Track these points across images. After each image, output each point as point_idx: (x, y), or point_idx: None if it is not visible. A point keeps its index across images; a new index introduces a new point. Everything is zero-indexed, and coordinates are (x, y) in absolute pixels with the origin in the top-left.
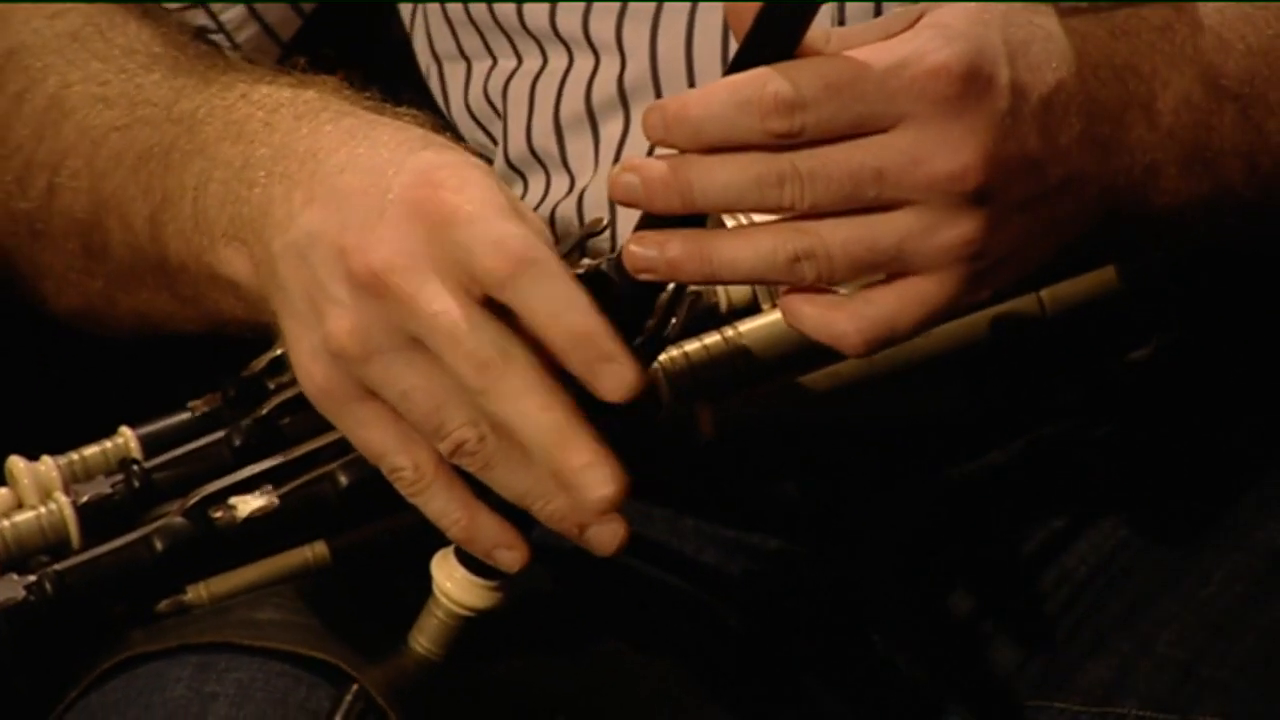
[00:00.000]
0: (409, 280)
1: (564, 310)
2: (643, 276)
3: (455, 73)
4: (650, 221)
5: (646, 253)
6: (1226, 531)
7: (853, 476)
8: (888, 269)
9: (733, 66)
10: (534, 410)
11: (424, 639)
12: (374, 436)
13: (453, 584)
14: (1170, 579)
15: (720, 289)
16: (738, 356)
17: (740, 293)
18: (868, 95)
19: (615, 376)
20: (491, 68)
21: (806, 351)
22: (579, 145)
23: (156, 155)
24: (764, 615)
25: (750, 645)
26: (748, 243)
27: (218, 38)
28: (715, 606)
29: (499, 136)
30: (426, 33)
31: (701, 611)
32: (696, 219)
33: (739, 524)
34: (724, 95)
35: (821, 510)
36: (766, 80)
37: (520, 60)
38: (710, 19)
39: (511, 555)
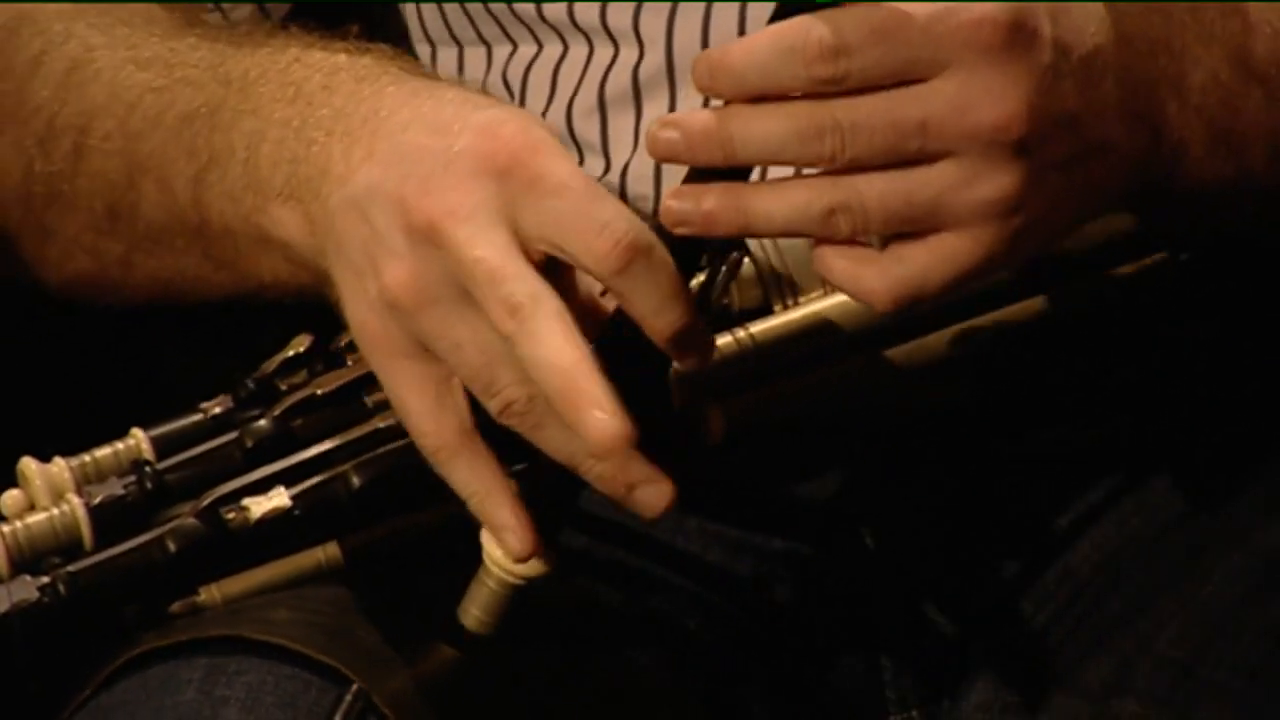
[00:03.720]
0: (463, 228)
1: (671, 302)
2: (679, 230)
3: (475, 56)
4: (694, 176)
5: (683, 206)
6: (1227, 532)
7: (859, 476)
8: (923, 224)
9: (776, 14)
10: (551, 353)
11: (475, 609)
12: (410, 397)
13: (503, 553)
14: (1170, 579)
15: (733, 291)
16: (748, 358)
17: (751, 294)
18: (913, 41)
19: (703, 358)
20: (512, 54)
21: (818, 352)
22: (617, 126)
23: (202, 116)
24: (769, 614)
25: (756, 645)
26: (783, 196)
27: (213, 16)
28: (720, 606)
29: None
30: (443, 19)
31: (706, 611)
32: (739, 174)
33: (745, 524)
34: (768, 42)
35: (828, 509)
36: (810, 27)
37: (541, 46)
38: (727, 10)
39: (516, 539)
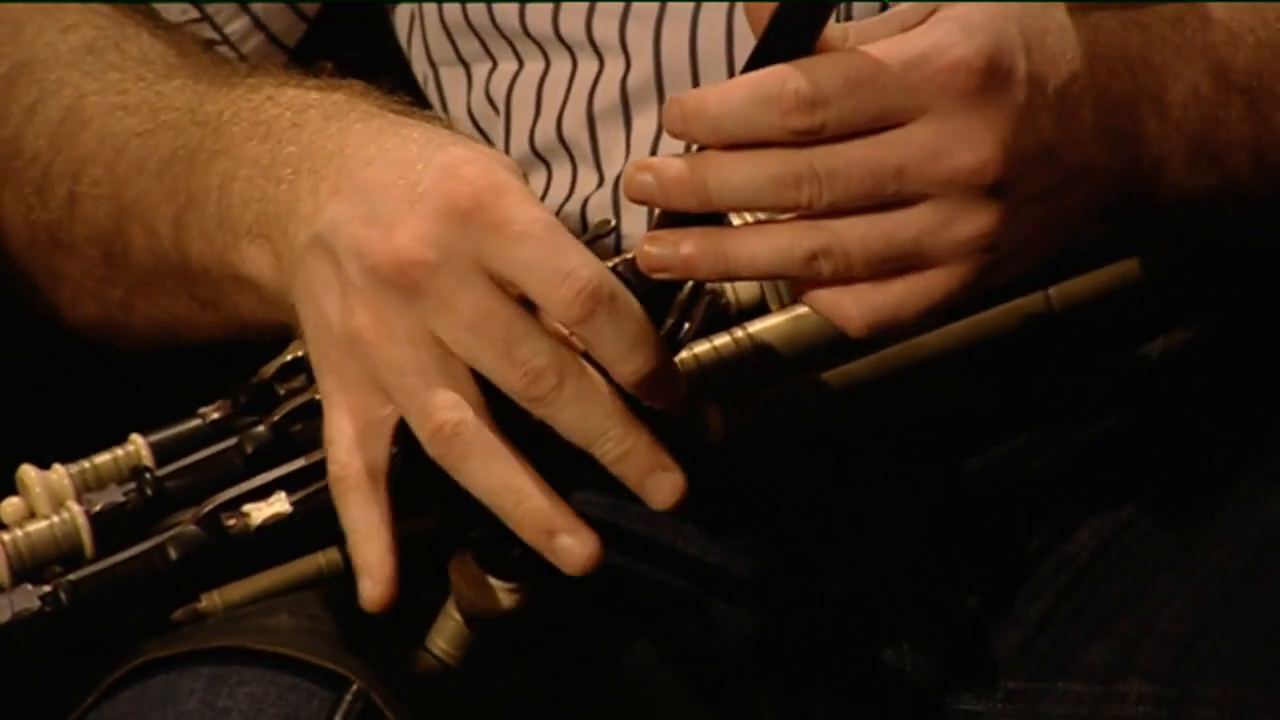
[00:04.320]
0: (441, 277)
1: (637, 347)
2: (658, 276)
3: (455, 78)
4: (666, 220)
5: (661, 252)
6: (1226, 509)
7: (859, 473)
8: (903, 263)
9: (751, 62)
10: (589, 423)
11: (442, 642)
12: (339, 421)
13: (470, 586)
14: (1171, 558)
15: (729, 290)
16: (747, 358)
17: (749, 293)
18: (888, 90)
19: (669, 397)
20: (491, 71)
21: (816, 352)
22: (607, 139)
23: (181, 159)
24: (769, 613)
25: (757, 645)
26: (764, 240)
27: (224, 50)
28: (720, 607)
29: (499, 139)
30: (424, 41)
31: (706, 612)
32: (713, 217)
33: (745, 524)
34: (744, 91)
35: (828, 505)
36: (786, 77)
37: (521, 64)
38: (714, 20)
39: (370, 582)
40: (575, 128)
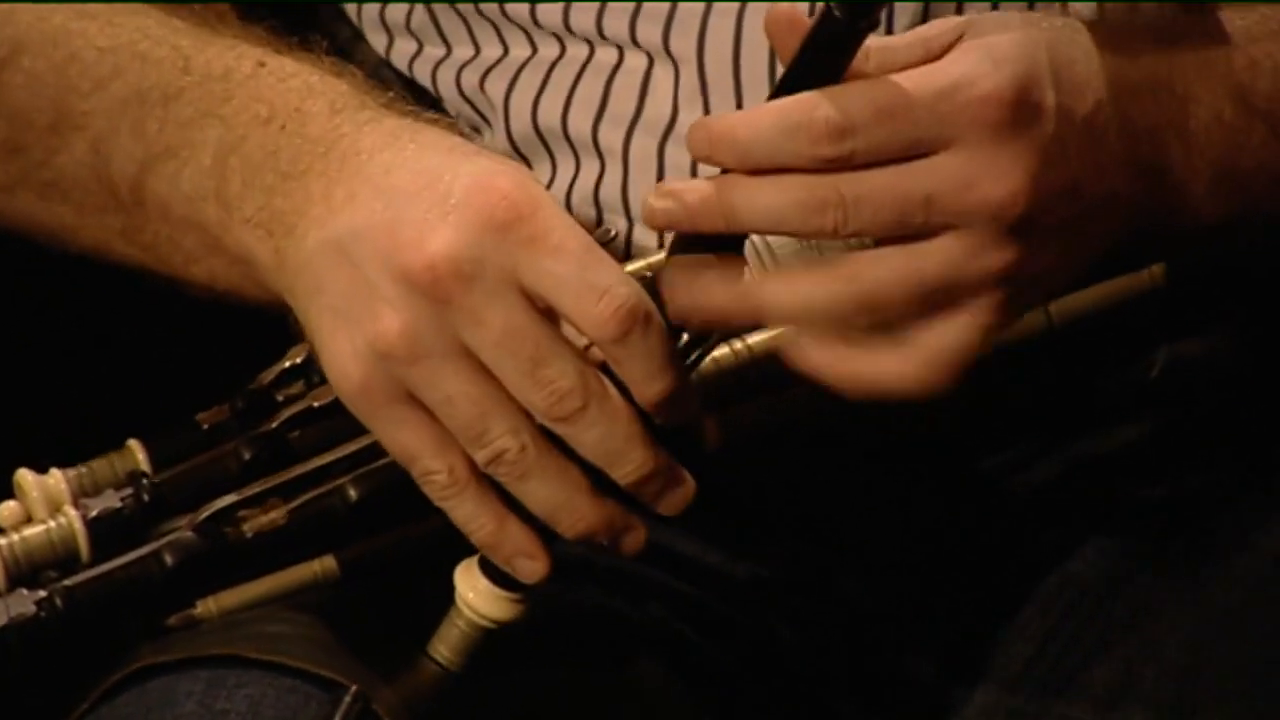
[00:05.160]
0: (475, 290)
1: (661, 372)
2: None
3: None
4: (684, 243)
5: (693, 302)
6: (1231, 537)
7: (858, 485)
8: (930, 300)
9: (779, 89)
10: (612, 442)
11: (444, 648)
12: (410, 439)
13: (475, 594)
14: (1175, 585)
15: None
16: (746, 369)
17: None
18: (919, 120)
19: (683, 418)
20: (474, 58)
21: None
22: (607, 133)
23: (157, 100)
24: (769, 622)
25: (757, 648)
26: (791, 289)
27: None
28: (721, 610)
29: (496, 120)
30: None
31: (707, 616)
32: (732, 243)
33: (745, 534)
34: (773, 119)
35: (826, 518)
36: (816, 105)
37: (507, 50)
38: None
39: (533, 565)
40: (584, 115)
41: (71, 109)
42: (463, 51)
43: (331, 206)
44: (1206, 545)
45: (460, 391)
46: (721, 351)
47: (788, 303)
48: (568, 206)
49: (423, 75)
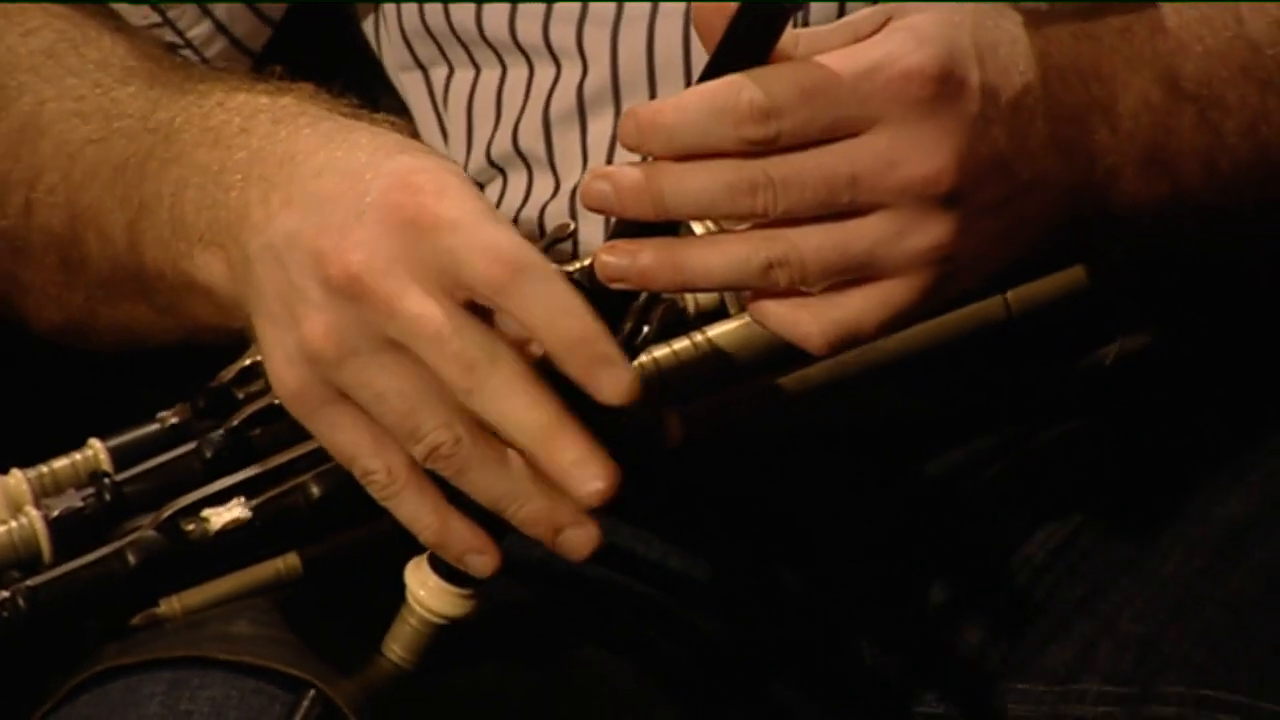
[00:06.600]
0: (388, 283)
1: (561, 314)
2: (615, 286)
3: (414, 83)
4: (623, 228)
5: (619, 262)
6: (1185, 511)
7: (819, 477)
8: (859, 273)
9: (706, 73)
10: (522, 408)
11: (397, 646)
12: (346, 439)
13: (426, 591)
14: (1129, 559)
15: (688, 294)
16: (706, 361)
17: (708, 297)
18: (842, 100)
19: (614, 379)
20: (449, 77)
21: (774, 356)
22: (564, 145)
23: (133, 166)
24: (731, 617)
25: (719, 648)
26: (720, 251)
27: (187, 53)
28: (682, 611)
29: (460, 147)
30: (391, 46)
31: (669, 617)
32: (669, 226)
33: (705, 528)
34: (698, 103)
35: (788, 510)
36: (741, 88)
37: (479, 70)
38: (671, 25)
39: (483, 560)
40: (531, 135)
41: (78, 207)
42: (441, 73)
43: (269, 212)
44: (1158, 522)
45: (390, 388)
46: (681, 344)
47: (712, 261)
48: (540, 222)
49: (423, 96)
